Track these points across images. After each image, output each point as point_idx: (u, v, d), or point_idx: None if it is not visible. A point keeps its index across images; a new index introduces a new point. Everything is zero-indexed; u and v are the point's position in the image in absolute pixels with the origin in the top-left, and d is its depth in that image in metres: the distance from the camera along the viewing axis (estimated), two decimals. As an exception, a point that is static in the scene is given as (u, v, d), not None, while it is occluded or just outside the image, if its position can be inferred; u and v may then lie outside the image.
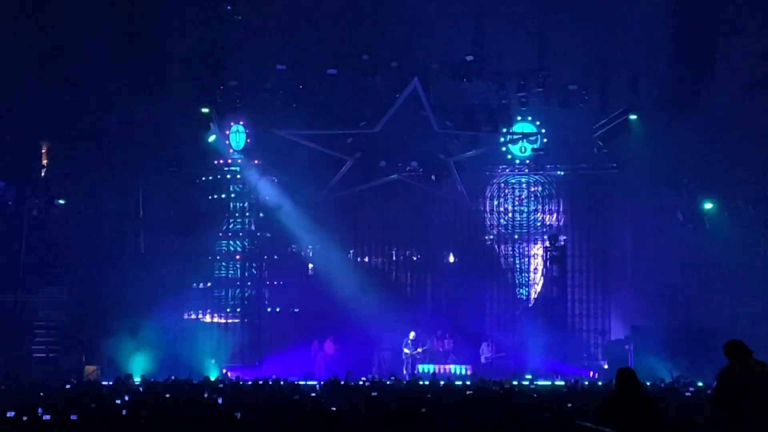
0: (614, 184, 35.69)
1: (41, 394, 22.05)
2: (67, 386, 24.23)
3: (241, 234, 35.58)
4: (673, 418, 17.40)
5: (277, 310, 35.94)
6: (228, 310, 35.26)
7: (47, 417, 16.35)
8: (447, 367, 33.24)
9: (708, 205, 34.08)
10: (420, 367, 33.12)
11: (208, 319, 35.11)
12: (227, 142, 35.57)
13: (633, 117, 34.10)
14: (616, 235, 36.12)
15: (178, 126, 33.55)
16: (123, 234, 32.97)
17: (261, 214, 35.71)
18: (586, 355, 35.37)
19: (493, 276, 36.72)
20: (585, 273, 36.33)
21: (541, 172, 36.77)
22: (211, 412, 17.63)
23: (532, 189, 36.99)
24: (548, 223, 36.71)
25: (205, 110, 34.32)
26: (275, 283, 36.08)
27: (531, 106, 35.53)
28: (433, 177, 36.12)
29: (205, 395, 21.64)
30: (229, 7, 33.74)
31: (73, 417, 16.52)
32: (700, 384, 27.36)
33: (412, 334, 33.89)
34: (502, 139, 36.45)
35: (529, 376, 31.13)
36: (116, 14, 31.41)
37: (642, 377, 13.73)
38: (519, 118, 36.15)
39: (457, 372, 32.51)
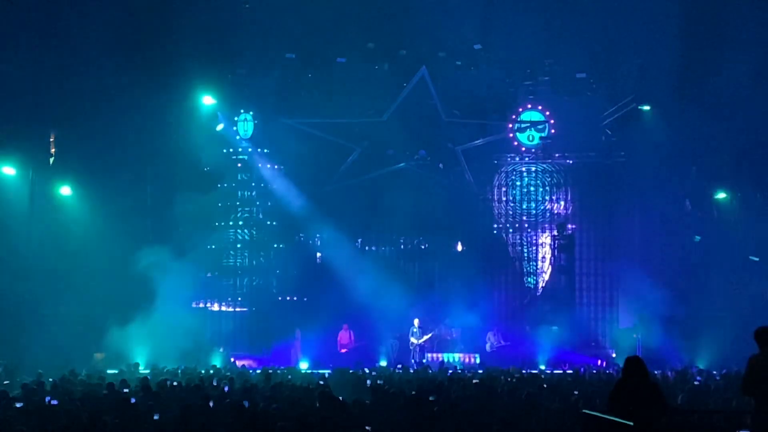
0: (622, 173, 35.52)
1: (50, 379, 22.15)
2: (81, 376, 24.34)
3: (245, 223, 35.55)
4: (681, 406, 17.42)
5: (279, 299, 35.81)
6: (233, 299, 35.26)
7: (55, 402, 16.42)
8: (455, 355, 33.23)
9: (721, 195, 33.99)
10: (432, 356, 33.07)
11: (215, 308, 35.14)
12: (235, 130, 35.53)
13: (646, 108, 34.04)
14: (624, 223, 35.95)
15: (185, 114, 33.54)
16: (131, 222, 32.92)
17: (268, 203, 35.69)
18: (594, 343, 35.30)
19: (501, 265, 36.61)
20: (593, 261, 36.18)
21: (549, 161, 36.62)
22: (219, 400, 17.66)
23: (540, 177, 36.87)
24: (556, 211, 36.58)
25: (212, 99, 34.35)
26: (283, 272, 36.00)
27: (539, 94, 35.51)
28: (440, 165, 36.08)
29: (214, 383, 21.71)
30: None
31: (81, 405, 16.58)
32: (710, 372, 27.35)
33: (416, 322, 33.82)
34: (510, 128, 36.34)
35: (539, 366, 31.15)
36: (124, 1, 31.40)
37: (650, 366, 13.72)
38: (521, 108, 36.03)
39: (466, 361, 32.49)
